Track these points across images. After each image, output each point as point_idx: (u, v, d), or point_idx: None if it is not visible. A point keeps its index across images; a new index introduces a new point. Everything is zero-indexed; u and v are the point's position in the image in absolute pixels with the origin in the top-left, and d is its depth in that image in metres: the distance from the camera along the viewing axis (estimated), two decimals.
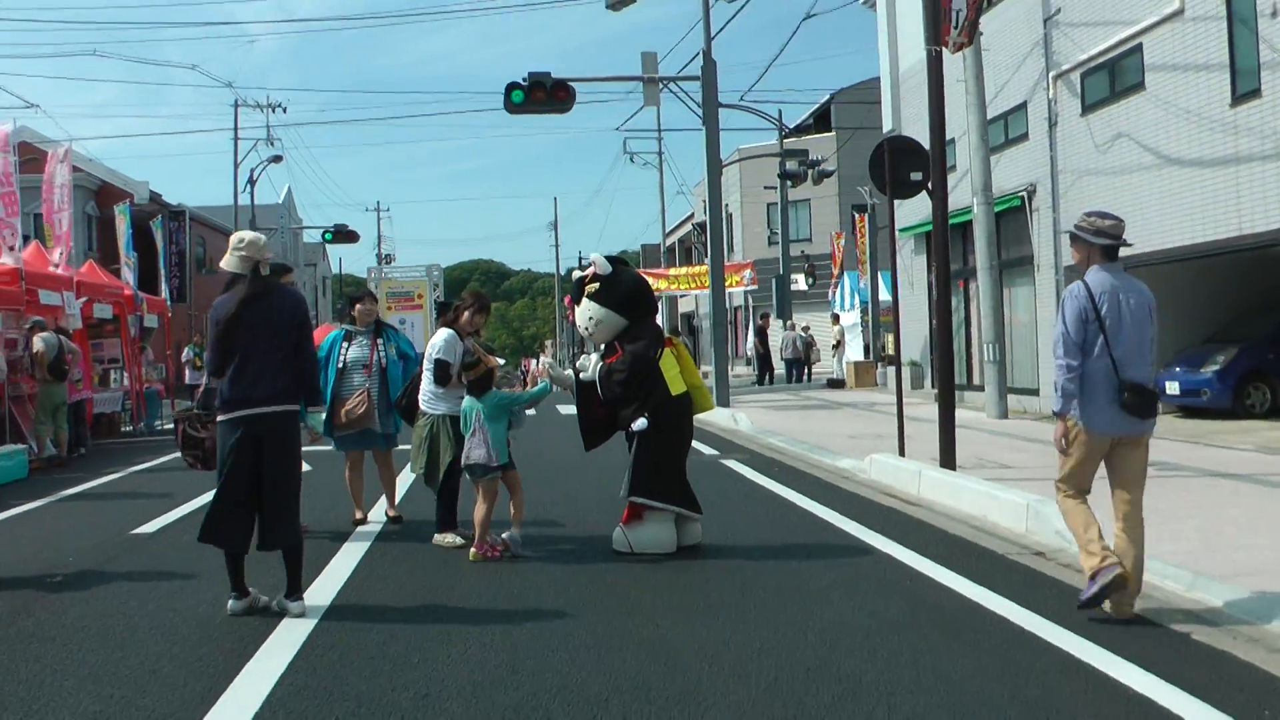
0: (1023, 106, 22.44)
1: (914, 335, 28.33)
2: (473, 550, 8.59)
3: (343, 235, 42.79)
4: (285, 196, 69.60)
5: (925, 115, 24.21)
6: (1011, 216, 22.39)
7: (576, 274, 9.45)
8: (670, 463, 8.90)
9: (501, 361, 8.75)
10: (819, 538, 9.37)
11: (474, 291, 9.87)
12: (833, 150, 44.01)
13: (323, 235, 44.28)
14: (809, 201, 48.93)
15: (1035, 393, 22.04)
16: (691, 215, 63.15)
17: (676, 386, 8.85)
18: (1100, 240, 6.65)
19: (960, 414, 22.13)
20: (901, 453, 13.21)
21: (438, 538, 9.22)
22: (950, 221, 25.41)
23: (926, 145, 13.44)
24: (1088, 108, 20.06)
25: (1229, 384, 18.94)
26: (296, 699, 5.25)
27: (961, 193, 24.36)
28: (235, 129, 51.22)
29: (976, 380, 25.35)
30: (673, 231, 67.50)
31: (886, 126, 29.06)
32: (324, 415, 9.22)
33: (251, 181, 46.41)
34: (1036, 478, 11.17)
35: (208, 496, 7.51)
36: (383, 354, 10.24)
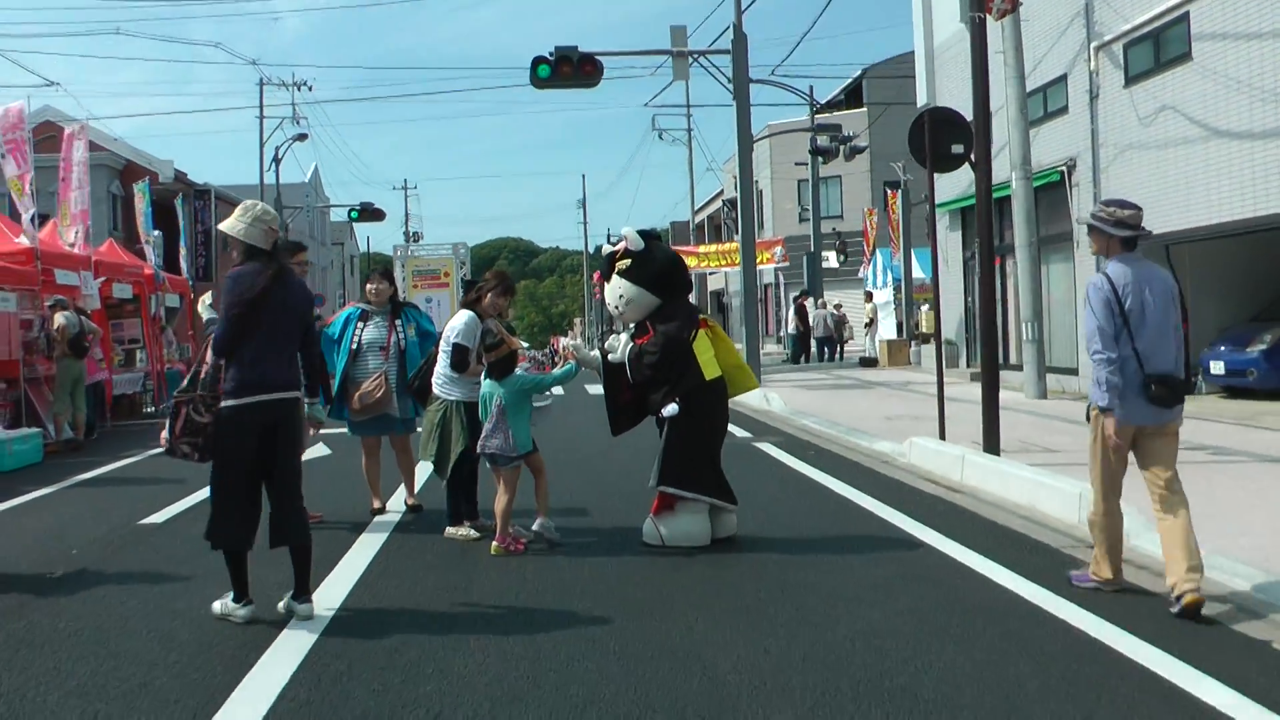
0: (1062, 79, 21.74)
1: (949, 313, 27.70)
2: (494, 543, 8.12)
3: (368, 213, 42.35)
4: (311, 175, 69.33)
5: (960, 90, 23.79)
6: (1050, 192, 21.75)
7: (607, 249, 9.00)
8: (702, 451, 8.41)
9: (525, 345, 8.29)
10: (860, 529, 8.89)
11: (498, 271, 9.33)
12: (864, 126, 43.39)
13: (349, 214, 43.78)
14: (840, 178, 48.25)
15: (1074, 372, 21.44)
16: (721, 192, 62.55)
17: (711, 370, 8.35)
18: (1120, 231, 6.54)
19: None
20: (942, 436, 12.69)
21: (450, 530, 8.77)
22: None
23: (968, 117, 12.88)
24: (1131, 79, 19.38)
25: (1277, 363, 18.35)
26: (296, 717, 4.81)
27: (999, 168, 23.62)
28: (260, 107, 50.78)
29: (1012, 359, 24.75)
30: (702, 208, 66.87)
31: (921, 101, 28.40)
32: (324, 403, 8.90)
33: (277, 160, 46.01)
34: (1084, 462, 10.61)
35: None
36: (401, 335, 9.73)
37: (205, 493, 6.62)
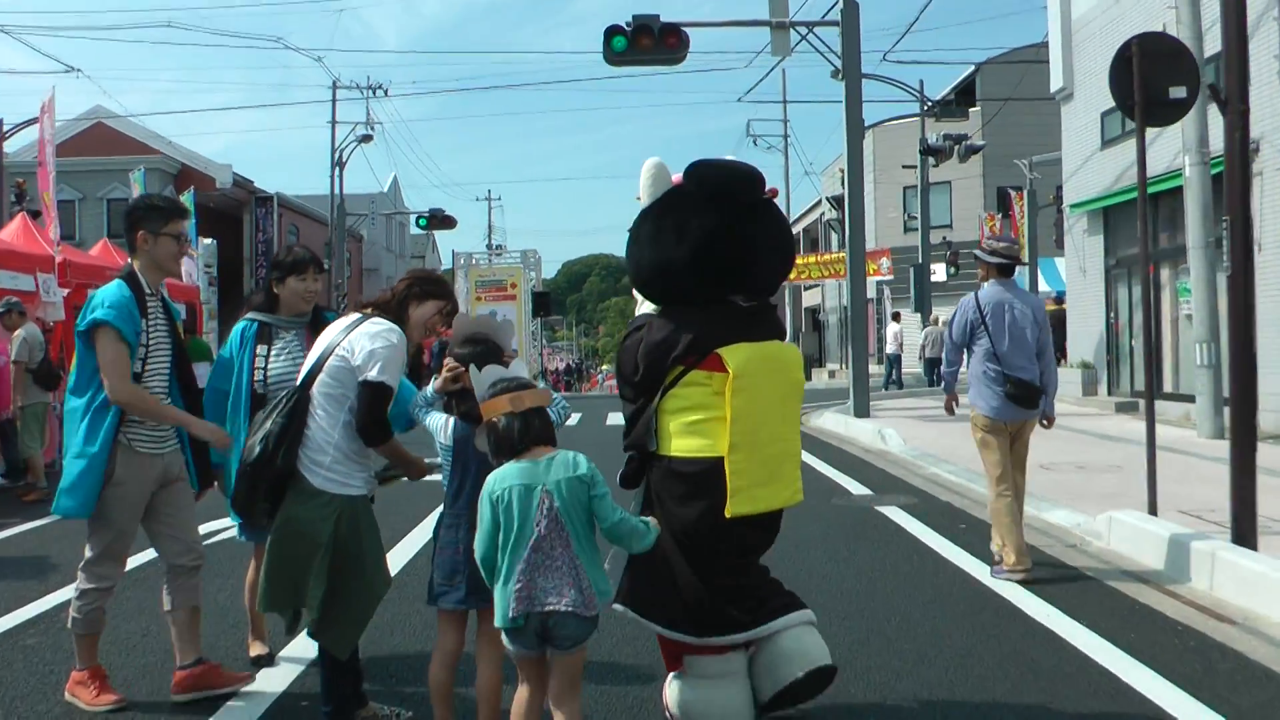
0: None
1: (1087, 332, 23.87)
2: None
3: (438, 220, 39.07)
4: (390, 185, 66.61)
5: (1102, 68, 20.05)
6: (1222, 183, 17.74)
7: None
8: (675, 569, 4.77)
9: (503, 409, 4.48)
10: (1096, 705, 5.27)
11: (416, 271, 5.33)
12: (976, 128, 39.48)
13: (416, 221, 40.56)
14: (949, 183, 43.97)
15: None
16: (819, 201, 58.37)
17: (673, 444, 4.78)
18: (994, 259, 8.28)
19: (1158, 430, 17.93)
20: (1152, 510, 9.01)
21: None
22: (1136, 194, 21.29)
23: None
24: None
25: None
26: None
27: (1159, 152, 20.00)
28: (333, 106, 47.93)
29: (1167, 386, 20.91)
30: (798, 220, 62.82)
31: (1056, 85, 24.64)
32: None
33: (340, 164, 42.94)
34: None
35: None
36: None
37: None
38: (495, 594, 4.18)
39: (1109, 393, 22.85)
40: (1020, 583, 7.60)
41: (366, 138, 43.36)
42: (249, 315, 5.90)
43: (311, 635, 4.74)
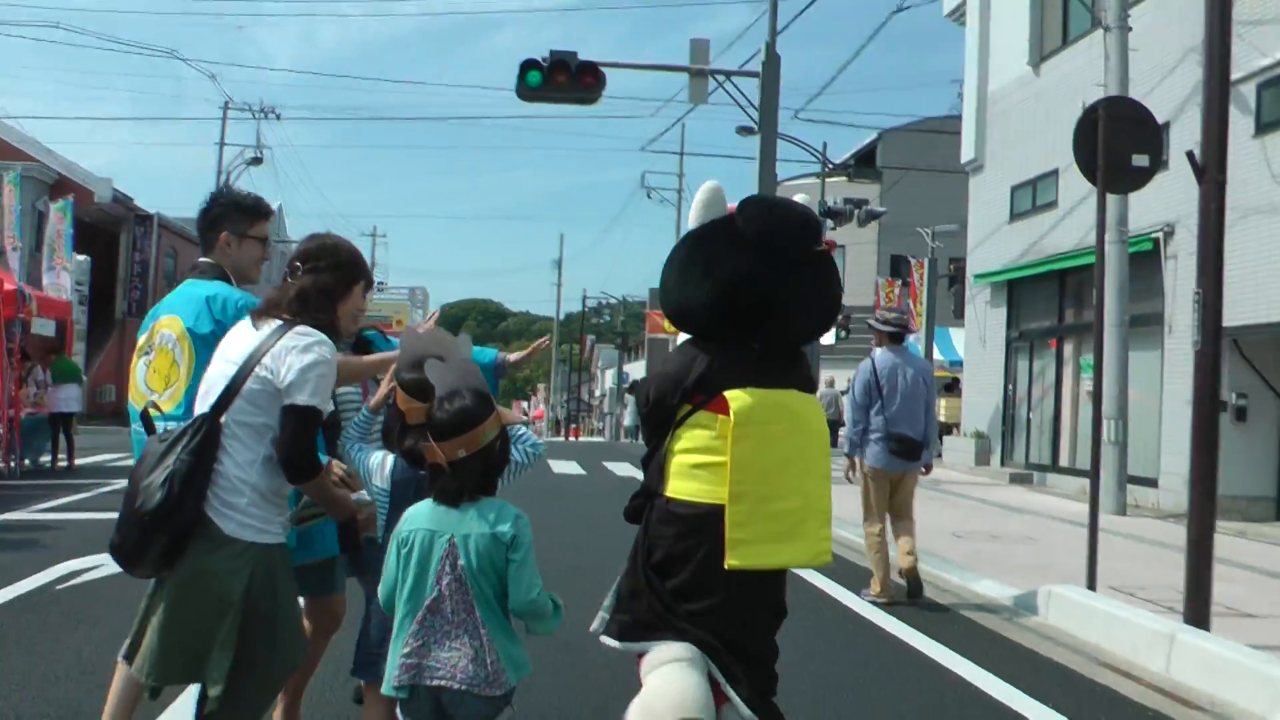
0: (1164, 127, 17.85)
1: (983, 402, 23.86)
2: None
3: None
4: (276, 213, 65.22)
5: (1018, 142, 20.02)
6: (1138, 263, 17.67)
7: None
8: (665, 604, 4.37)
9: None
10: None
11: (315, 246, 4.31)
12: (875, 195, 39.66)
13: None
14: (844, 248, 44.20)
15: (1154, 483, 17.51)
16: None
17: (679, 487, 4.39)
18: (888, 328, 9.16)
19: (1051, 503, 17.94)
20: (1091, 585, 8.65)
21: None
22: (1044, 267, 21.52)
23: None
24: (1265, 127, 15.57)
25: None
26: None
27: (1070, 228, 20.05)
28: (224, 125, 46.80)
29: (1063, 461, 20.89)
30: None
31: (967, 156, 24.75)
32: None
33: (227, 185, 41.76)
34: None
35: None
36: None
37: None
38: (389, 649, 3.59)
39: (1002, 464, 22.79)
40: (888, 608, 8.69)
41: (256, 160, 42.30)
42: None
43: (206, 717, 3.79)
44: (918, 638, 7.71)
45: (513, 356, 5.30)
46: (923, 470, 9.29)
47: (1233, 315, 15.80)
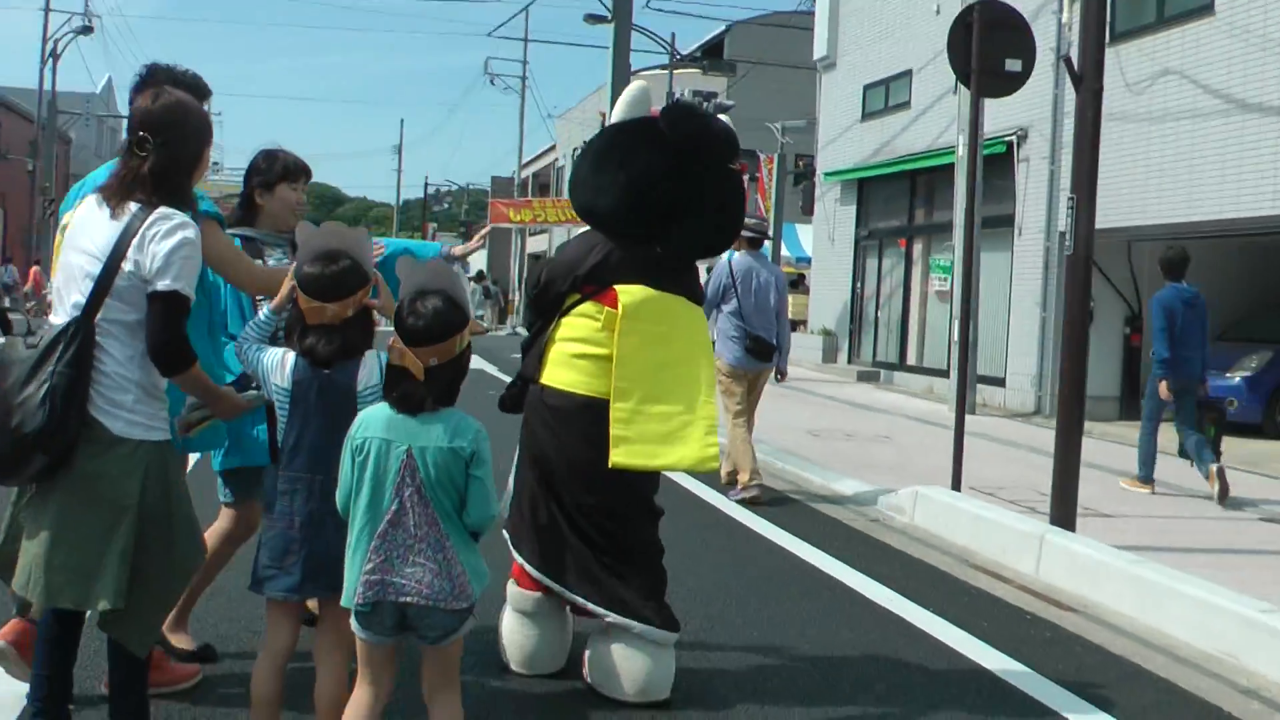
0: None
1: (830, 299, 24.13)
2: None
3: None
4: (104, 87, 62.35)
5: (868, 41, 19.97)
6: (990, 166, 17.91)
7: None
8: (533, 506, 4.60)
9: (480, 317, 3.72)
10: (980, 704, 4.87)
11: (164, 102, 3.72)
12: (723, 88, 39.50)
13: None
14: None
15: (1001, 383, 17.96)
16: (554, 146, 57.73)
17: (553, 376, 4.52)
18: (746, 233, 8.87)
19: (900, 401, 18.29)
20: (956, 486, 8.83)
21: None
22: (895, 167, 21.70)
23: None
24: (1119, 36, 15.82)
25: (1262, 393, 15.18)
26: None
27: (923, 129, 20.23)
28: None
29: (910, 359, 21.29)
30: (530, 163, 62.01)
31: (819, 52, 24.76)
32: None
33: (54, 56, 39.78)
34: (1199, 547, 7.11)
35: None
36: None
37: None
38: (345, 562, 3.41)
39: (849, 361, 23.13)
40: (748, 502, 8.91)
41: (86, 29, 40.19)
42: (230, 232, 4.50)
43: (102, 627, 3.58)
44: (794, 541, 7.74)
45: (457, 249, 5.11)
46: (778, 377, 9.63)
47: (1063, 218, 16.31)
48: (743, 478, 9.07)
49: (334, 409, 3.58)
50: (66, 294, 3.56)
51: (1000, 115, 17.28)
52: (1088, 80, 7.81)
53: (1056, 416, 8.01)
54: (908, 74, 21.09)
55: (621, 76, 20.71)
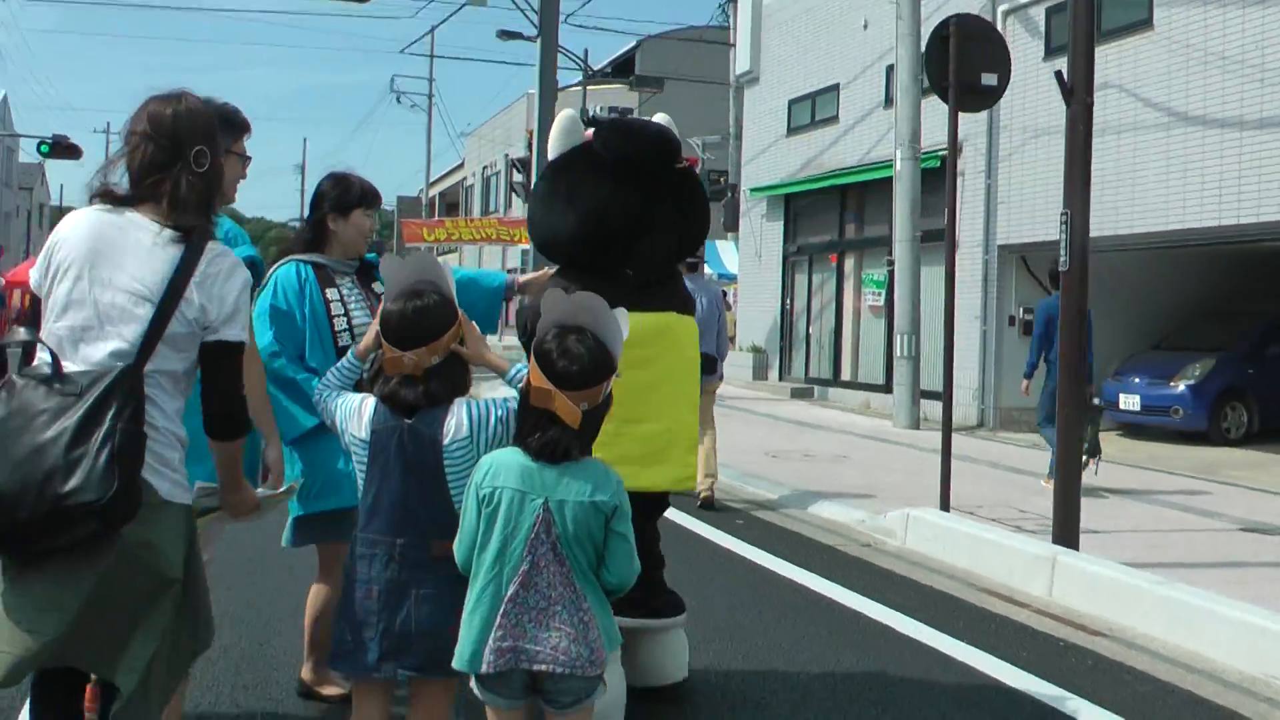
0: None
1: (760, 316, 24.03)
2: None
3: (61, 149, 35.27)
4: (0, 103, 60.72)
5: (793, 55, 19.91)
6: (927, 179, 17.90)
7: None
8: None
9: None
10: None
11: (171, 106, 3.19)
12: (635, 105, 39.41)
13: (38, 147, 36.69)
14: None
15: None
16: (461, 165, 57.26)
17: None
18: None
19: (842, 418, 18.20)
20: (945, 507, 8.70)
21: None
22: (825, 182, 21.57)
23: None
24: (1055, 51, 15.90)
25: (1206, 402, 15.34)
26: None
27: (855, 142, 20.21)
28: None
29: (844, 375, 21.24)
30: (438, 182, 61.42)
31: (741, 67, 24.77)
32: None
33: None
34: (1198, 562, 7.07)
35: None
36: None
37: None
38: (463, 620, 3.13)
39: (780, 378, 23.02)
40: (704, 505, 9.49)
41: None
42: (296, 258, 4.46)
43: (112, 717, 2.96)
44: (793, 570, 7.56)
45: (522, 278, 4.90)
46: (717, 381, 9.96)
47: (1022, 233, 16.36)
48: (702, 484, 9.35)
49: (417, 463, 3.28)
50: (98, 336, 3.02)
51: (937, 128, 17.33)
52: (1078, 94, 7.75)
53: (1057, 434, 7.89)
54: (835, 88, 21.08)
55: (549, 92, 20.46)
